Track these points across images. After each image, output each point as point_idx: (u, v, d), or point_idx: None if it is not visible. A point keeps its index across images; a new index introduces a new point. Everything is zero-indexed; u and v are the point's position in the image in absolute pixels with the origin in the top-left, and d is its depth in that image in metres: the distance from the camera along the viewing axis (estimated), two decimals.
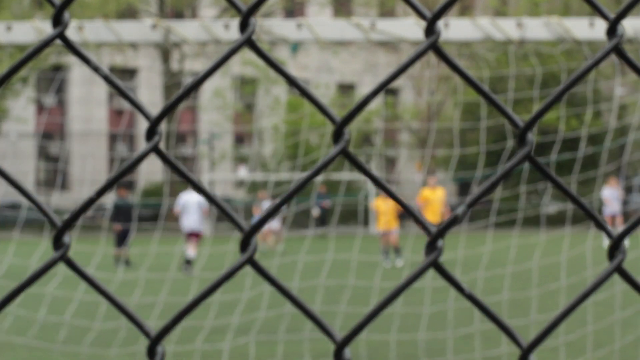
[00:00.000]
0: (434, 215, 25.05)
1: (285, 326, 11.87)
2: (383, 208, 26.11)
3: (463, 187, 58.24)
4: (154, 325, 11.66)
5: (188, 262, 22.73)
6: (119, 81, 1.31)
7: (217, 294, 13.54)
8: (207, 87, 54.88)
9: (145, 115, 1.29)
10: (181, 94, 1.28)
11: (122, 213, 25.85)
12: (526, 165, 1.42)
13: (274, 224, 31.91)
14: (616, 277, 1.38)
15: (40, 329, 12.53)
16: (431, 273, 8.07)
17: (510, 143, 12.88)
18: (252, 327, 11.95)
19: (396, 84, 55.76)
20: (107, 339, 11.82)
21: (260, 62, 46.93)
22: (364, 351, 10.54)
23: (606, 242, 31.07)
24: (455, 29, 8.51)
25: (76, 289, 14.49)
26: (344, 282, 15.80)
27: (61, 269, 13.20)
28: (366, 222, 45.77)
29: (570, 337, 11.08)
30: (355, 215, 45.66)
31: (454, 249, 25.17)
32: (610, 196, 30.77)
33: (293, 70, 49.72)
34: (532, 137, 1.33)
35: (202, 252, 24.23)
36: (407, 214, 1.35)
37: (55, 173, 55.31)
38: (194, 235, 23.53)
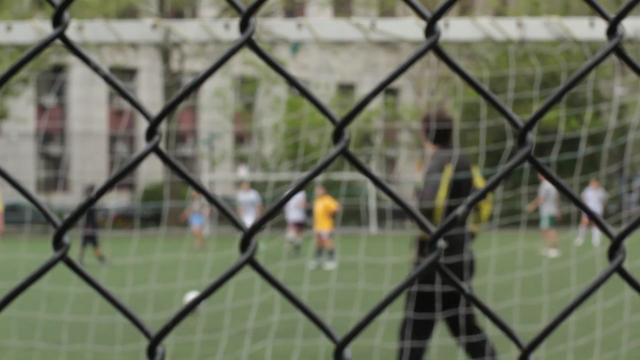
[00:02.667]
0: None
1: (301, 329, 11.85)
2: (317, 209, 25.88)
3: None
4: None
5: (297, 248, 27.43)
6: (119, 81, 1.31)
7: (229, 301, 13.56)
8: (207, 87, 54.89)
9: (145, 115, 1.29)
10: (181, 94, 1.28)
11: (90, 215, 26.33)
12: (527, 166, 1.43)
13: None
14: (625, 284, 1.38)
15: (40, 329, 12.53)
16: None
17: (510, 143, 12.88)
18: (269, 331, 11.92)
19: (396, 84, 55.75)
20: (107, 335, 11.83)
21: (261, 61, 46.94)
22: (376, 358, 10.54)
23: (579, 241, 31.29)
24: (455, 29, 8.50)
25: (68, 282, 14.51)
26: (354, 285, 15.78)
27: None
28: (367, 222, 45.78)
29: (579, 341, 11.10)
30: (357, 215, 45.65)
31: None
32: (592, 197, 30.98)
33: (293, 70, 49.71)
34: (532, 137, 1.33)
35: (206, 253, 24.26)
36: (407, 214, 1.35)
37: (55, 173, 55.32)
38: (299, 225, 28.05)
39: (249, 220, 31.22)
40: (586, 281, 16.57)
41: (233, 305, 13.57)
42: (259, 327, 12.38)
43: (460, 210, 1.32)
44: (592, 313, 12.94)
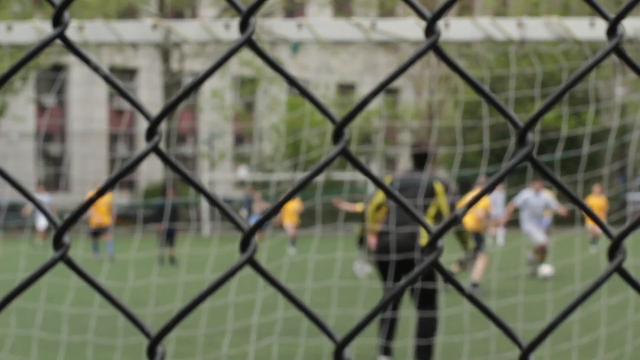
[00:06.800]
0: (470, 221, 19.74)
1: (305, 326, 11.85)
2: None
3: (463, 186, 58.13)
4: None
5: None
6: (119, 81, 1.31)
7: (231, 297, 13.56)
8: (207, 86, 54.88)
9: (145, 115, 1.29)
10: (181, 94, 1.28)
11: (173, 212, 26.08)
12: (528, 166, 1.42)
13: None
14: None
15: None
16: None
17: (511, 142, 12.89)
18: (274, 328, 11.91)
19: (396, 83, 55.75)
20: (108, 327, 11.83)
21: (258, 62, 46.79)
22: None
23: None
24: (455, 29, 8.51)
25: (70, 275, 14.48)
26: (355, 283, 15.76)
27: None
28: None
29: (584, 339, 11.09)
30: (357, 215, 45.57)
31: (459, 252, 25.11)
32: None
33: (293, 70, 49.70)
34: (533, 137, 1.33)
35: (207, 252, 24.34)
36: (407, 213, 1.35)
37: (55, 174, 55.32)
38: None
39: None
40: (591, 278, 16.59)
41: (236, 299, 13.57)
42: (262, 324, 12.39)
43: (460, 211, 1.32)
44: (595, 311, 12.94)
